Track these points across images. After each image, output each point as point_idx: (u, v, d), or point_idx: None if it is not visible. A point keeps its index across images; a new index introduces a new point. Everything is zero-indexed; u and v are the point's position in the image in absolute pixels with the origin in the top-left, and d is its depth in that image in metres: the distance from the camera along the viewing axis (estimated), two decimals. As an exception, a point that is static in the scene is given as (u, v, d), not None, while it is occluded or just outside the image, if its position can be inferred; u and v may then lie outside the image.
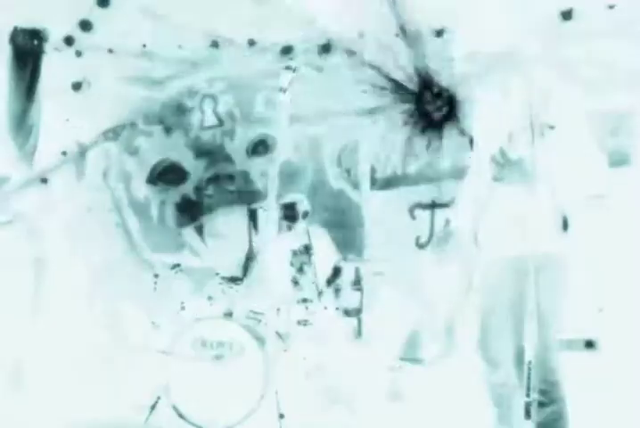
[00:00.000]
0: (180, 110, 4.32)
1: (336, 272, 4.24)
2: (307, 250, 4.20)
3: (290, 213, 4.15)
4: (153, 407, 3.85)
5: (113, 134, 3.35)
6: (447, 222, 3.64)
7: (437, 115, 3.66)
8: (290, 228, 4.23)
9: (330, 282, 4.23)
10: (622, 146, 3.71)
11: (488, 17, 2.91)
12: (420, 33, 3.87)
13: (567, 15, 3.67)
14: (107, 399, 4.08)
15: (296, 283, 4.19)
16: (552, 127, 2.64)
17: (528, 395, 2.38)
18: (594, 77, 3.65)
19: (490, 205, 2.81)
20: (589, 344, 3.49)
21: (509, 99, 2.72)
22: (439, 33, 3.81)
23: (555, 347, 2.68)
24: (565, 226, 2.84)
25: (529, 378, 2.37)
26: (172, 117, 4.31)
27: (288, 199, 4.14)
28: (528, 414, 2.38)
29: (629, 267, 3.58)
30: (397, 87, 4.06)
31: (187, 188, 4.30)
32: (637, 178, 3.69)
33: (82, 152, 3.58)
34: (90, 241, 4.29)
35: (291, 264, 4.21)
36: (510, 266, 2.80)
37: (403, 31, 3.87)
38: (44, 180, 4.30)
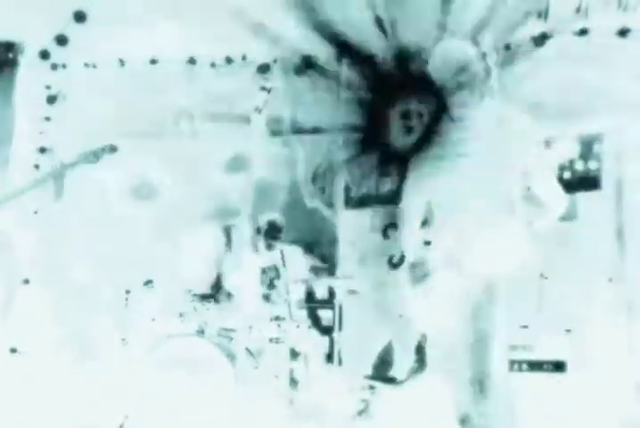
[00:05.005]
0: (156, 125, 4.31)
1: (309, 290, 4.25)
2: (279, 268, 4.21)
3: (270, 231, 4.17)
4: (121, 426, 3.82)
5: (93, 157, 3.31)
6: (423, 242, 3.66)
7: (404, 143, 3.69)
8: (264, 246, 4.24)
9: (302, 300, 4.24)
10: (592, 170, 3.78)
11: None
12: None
13: (539, 41, 3.75)
14: (73, 417, 4.04)
15: (268, 300, 4.20)
16: None
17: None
18: (563, 101, 3.72)
19: (466, 227, 2.86)
20: (558, 366, 3.53)
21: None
22: None
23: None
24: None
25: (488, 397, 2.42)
26: (148, 132, 4.30)
27: (266, 217, 4.17)
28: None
29: (598, 288, 3.64)
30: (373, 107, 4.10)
31: (163, 205, 4.28)
32: (606, 201, 3.75)
33: (60, 171, 3.52)
34: (62, 255, 4.25)
35: (264, 282, 4.22)
36: (479, 286, 2.84)
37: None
38: (17, 194, 4.26)
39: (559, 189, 2.91)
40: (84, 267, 4.27)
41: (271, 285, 4.20)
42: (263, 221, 4.21)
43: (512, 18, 3.71)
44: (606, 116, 3.74)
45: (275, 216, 4.20)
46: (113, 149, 3.35)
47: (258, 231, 4.24)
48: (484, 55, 3.16)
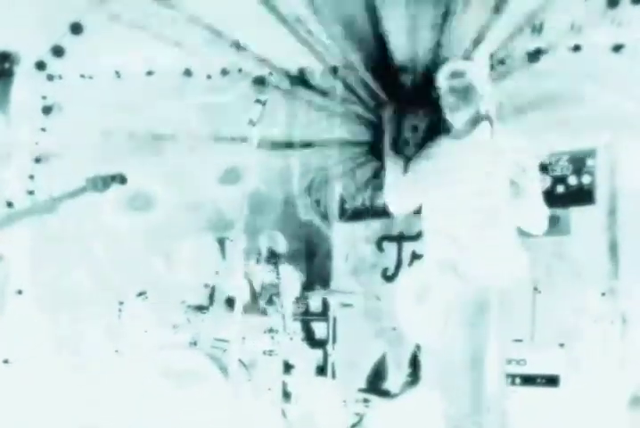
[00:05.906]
0: (152, 137, 4.32)
1: (303, 303, 4.24)
2: (274, 279, 4.20)
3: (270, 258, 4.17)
4: (114, 438, 3.80)
5: (102, 185, 3.11)
6: (415, 255, 3.66)
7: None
8: (259, 259, 4.24)
9: (296, 312, 4.23)
10: (585, 185, 3.79)
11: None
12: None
13: (533, 56, 3.78)
14: (67, 427, 4.02)
15: (262, 312, 4.19)
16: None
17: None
18: (557, 116, 3.74)
19: (460, 240, 2.86)
20: (552, 380, 3.52)
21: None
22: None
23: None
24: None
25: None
26: (143, 144, 4.30)
27: (267, 242, 4.14)
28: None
29: (592, 302, 3.64)
30: (368, 121, 4.11)
31: (157, 216, 4.28)
32: (600, 216, 3.77)
33: (52, 205, 3.40)
34: (55, 266, 4.24)
35: (259, 294, 4.21)
36: (473, 299, 2.84)
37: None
38: (9, 204, 4.25)
39: (544, 204, 2.93)
40: (77, 278, 4.26)
41: (265, 297, 4.19)
42: (264, 245, 4.17)
43: (507, 33, 3.74)
44: (600, 131, 3.76)
45: (277, 241, 4.16)
46: (124, 179, 3.14)
47: (258, 253, 4.23)
48: (487, 74, 3.18)
